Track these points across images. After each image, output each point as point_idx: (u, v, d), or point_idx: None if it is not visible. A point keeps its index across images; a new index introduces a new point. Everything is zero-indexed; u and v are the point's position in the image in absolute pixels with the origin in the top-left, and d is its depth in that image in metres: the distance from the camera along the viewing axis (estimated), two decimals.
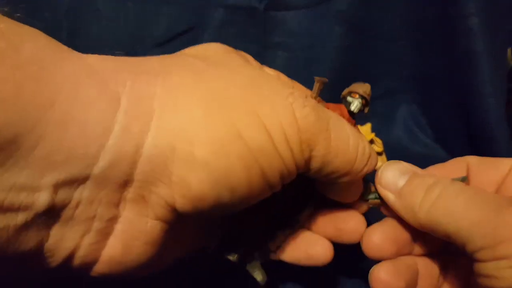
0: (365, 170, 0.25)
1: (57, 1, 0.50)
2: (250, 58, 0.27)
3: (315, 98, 0.27)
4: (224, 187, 0.20)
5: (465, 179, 0.27)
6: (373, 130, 0.50)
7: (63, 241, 0.19)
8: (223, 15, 0.50)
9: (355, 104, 0.28)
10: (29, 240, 0.18)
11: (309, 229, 0.29)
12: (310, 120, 0.22)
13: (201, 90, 0.21)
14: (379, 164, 0.48)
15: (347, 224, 0.28)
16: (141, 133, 0.19)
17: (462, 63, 0.45)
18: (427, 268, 0.28)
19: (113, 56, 0.21)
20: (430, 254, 0.28)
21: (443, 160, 0.30)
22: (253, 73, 0.23)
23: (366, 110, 0.29)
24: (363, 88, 0.28)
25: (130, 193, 0.20)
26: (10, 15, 0.20)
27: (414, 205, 0.24)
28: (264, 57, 0.52)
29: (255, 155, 0.20)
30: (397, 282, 0.26)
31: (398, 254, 0.27)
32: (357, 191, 0.27)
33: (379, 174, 0.27)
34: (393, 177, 0.26)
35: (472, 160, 0.28)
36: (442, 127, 0.52)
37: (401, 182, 0.26)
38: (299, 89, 0.24)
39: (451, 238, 0.23)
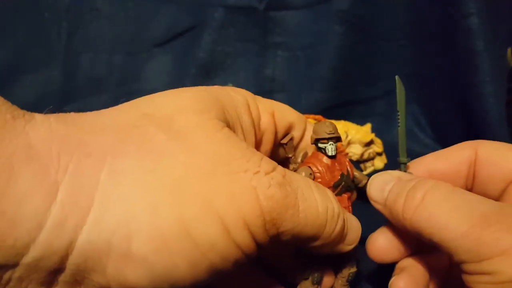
0: (336, 231, 0.24)
1: (57, 1, 0.50)
2: (241, 100, 0.25)
3: (291, 157, 0.28)
4: (165, 282, 0.19)
5: (400, 84, 0.26)
6: (373, 130, 0.50)
7: None
8: (223, 15, 0.50)
9: (330, 149, 0.27)
10: None
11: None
12: (276, 200, 0.21)
13: (152, 178, 0.19)
14: (379, 164, 0.47)
15: None
16: (75, 228, 0.18)
17: (462, 63, 0.45)
18: (434, 267, 0.27)
19: (61, 126, 0.19)
20: (435, 250, 0.28)
21: None
22: (218, 148, 0.21)
23: (342, 143, 0.29)
24: (325, 129, 0.27)
25: (63, 276, 0.19)
26: None
27: (399, 215, 0.24)
28: (264, 57, 0.52)
29: (204, 251, 0.19)
30: None
31: (402, 256, 0.27)
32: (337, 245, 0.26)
33: (368, 186, 0.26)
34: (379, 189, 0.26)
35: (481, 147, 0.27)
36: (442, 127, 0.52)
37: (386, 192, 0.25)
38: (265, 162, 0.22)
39: (437, 246, 0.22)
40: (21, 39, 0.50)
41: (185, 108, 0.22)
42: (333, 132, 0.27)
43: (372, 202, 0.26)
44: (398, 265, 0.28)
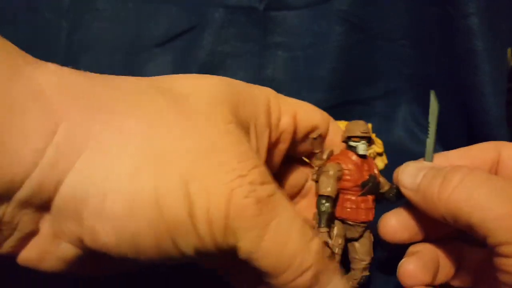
0: (297, 283, 0.22)
1: (57, 1, 0.50)
2: (262, 97, 0.25)
3: (319, 153, 0.28)
4: (129, 247, 0.20)
5: (435, 97, 0.27)
6: (373, 130, 0.50)
7: None
8: (223, 15, 0.50)
9: (361, 148, 0.27)
10: None
11: None
12: (246, 213, 0.20)
13: (140, 144, 0.20)
14: (380, 164, 0.48)
15: None
16: (64, 171, 0.19)
17: (462, 63, 0.45)
18: (445, 256, 0.28)
19: (72, 75, 0.20)
20: (444, 240, 0.28)
21: None
22: (216, 138, 0.21)
23: (372, 145, 0.29)
24: (360, 127, 0.27)
25: (48, 215, 0.20)
26: None
27: (433, 196, 0.24)
28: (264, 57, 0.52)
29: (169, 227, 0.20)
30: (424, 276, 0.26)
31: (411, 239, 0.27)
32: None
33: (397, 174, 0.27)
34: (411, 175, 0.26)
35: (505, 149, 0.27)
36: (442, 127, 0.52)
37: (418, 178, 0.26)
38: (258, 172, 0.21)
39: (472, 229, 0.22)
40: (21, 39, 0.50)
41: (201, 92, 0.22)
42: (366, 131, 0.27)
43: (402, 189, 0.26)
44: (409, 249, 0.28)
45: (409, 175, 0.26)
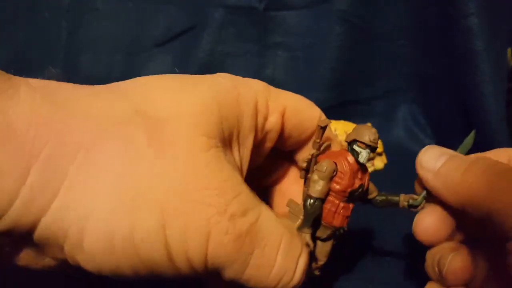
0: None
1: (57, 1, 0.50)
2: (249, 97, 0.24)
3: (318, 143, 0.26)
4: (111, 274, 0.21)
5: (474, 137, 0.27)
6: None
7: None
8: (223, 15, 0.50)
9: (364, 156, 0.26)
10: None
11: None
12: (225, 251, 0.20)
13: (119, 180, 0.19)
14: (379, 164, 0.47)
15: None
16: (40, 211, 0.19)
17: (462, 63, 0.45)
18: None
19: (48, 103, 0.19)
20: (464, 242, 0.28)
21: None
22: (194, 172, 0.20)
23: (371, 156, 0.28)
24: (370, 135, 0.26)
25: (30, 243, 0.20)
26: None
27: (455, 182, 0.24)
28: (264, 57, 0.52)
29: (146, 265, 0.20)
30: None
31: (444, 239, 0.28)
32: None
33: (419, 156, 0.27)
34: (432, 158, 0.26)
35: None
36: (442, 127, 0.52)
37: (440, 162, 0.26)
38: (238, 202, 0.21)
39: (491, 217, 0.22)
40: (21, 39, 0.50)
41: (181, 115, 0.21)
42: (376, 142, 0.26)
43: (421, 171, 0.27)
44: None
45: (431, 157, 0.26)
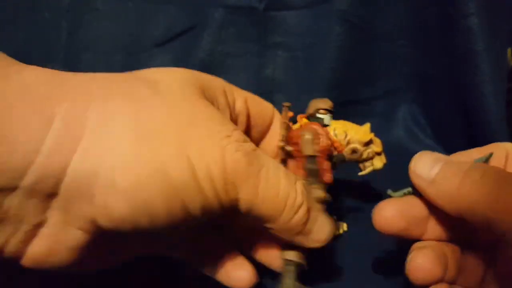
0: (294, 221, 0.25)
1: (57, 1, 0.50)
2: (218, 84, 0.28)
3: (286, 123, 0.30)
4: (143, 215, 0.21)
5: (488, 159, 0.26)
6: (372, 130, 0.50)
7: None
8: (223, 15, 0.50)
9: (327, 119, 0.31)
10: None
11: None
12: (240, 165, 0.23)
13: (135, 121, 0.21)
14: (379, 164, 0.48)
15: (236, 272, 0.28)
16: (67, 155, 0.20)
17: (462, 63, 0.45)
18: (452, 255, 0.28)
19: (54, 74, 0.22)
20: (445, 240, 0.28)
21: None
22: (196, 110, 0.24)
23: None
24: (327, 103, 0.32)
25: (56, 202, 0.21)
26: None
27: (451, 191, 0.24)
28: (264, 57, 0.52)
29: (177, 190, 0.21)
30: (437, 270, 0.26)
31: (407, 231, 0.27)
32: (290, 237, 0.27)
33: (412, 164, 0.27)
34: (426, 165, 0.26)
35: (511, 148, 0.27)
36: (442, 127, 0.52)
37: (435, 170, 0.25)
38: (238, 132, 0.24)
39: (490, 224, 0.22)
40: (21, 39, 0.50)
41: (172, 77, 0.25)
42: (332, 107, 0.32)
43: (414, 178, 0.27)
44: (414, 245, 0.28)
45: (425, 165, 0.26)
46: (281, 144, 0.30)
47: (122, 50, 0.52)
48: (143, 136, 0.21)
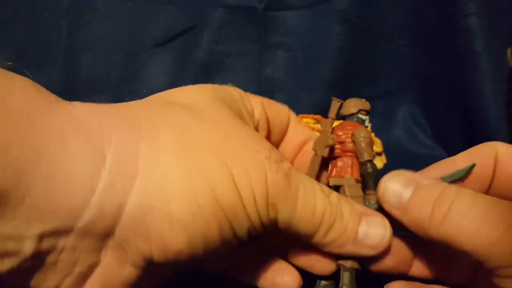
0: (330, 236, 0.25)
1: (57, 1, 0.50)
2: (237, 95, 0.27)
3: (332, 119, 0.29)
4: (199, 243, 0.21)
5: (469, 172, 0.25)
6: (373, 130, 0.50)
7: (45, 282, 0.20)
8: (223, 15, 0.50)
9: (368, 121, 0.31)
10: (14, 282, 0.19)
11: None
12: (280, 187, 0.23)
13: (181, 146, 0.21)
14: (379, 164, 0.48)
15: (282, 278, 0.28)
16: (124, 191, 0.19)
17: (462, 63, 0.45)
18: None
19: (98, 106, 0.21)
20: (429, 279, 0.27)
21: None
22: (233, 127, 0.24)
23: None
24: (366, 104, 0.31)
25: (111, 242, 0.20)
26: (13, 68, 0.20)
27: (423, 221, 0.23)
28: (264, 57, 0.52)
29: (227, 214, 0.21)
30: None
31: (396, 268, 0.27)
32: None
33: (381, 189, 0.25)
34: (397, 192, 0.24)
35: (501, 148, 0.26)
36: (442, 127, 0.52)
37: (406, 195, 0.24)
38: (275, 152, 0.24)
39: (467, 254, 0.22)
40: (21, 39, 0.50)
41: (204, 100, 0.25)
42: (369, 108, 0.31)
43: (386, 206, 0.25)
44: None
45: (394, 194, 0.25)
46: (330, 142, 0.28)
47: (122, 50, 0.52)
48: (191, 163, 0.21)
